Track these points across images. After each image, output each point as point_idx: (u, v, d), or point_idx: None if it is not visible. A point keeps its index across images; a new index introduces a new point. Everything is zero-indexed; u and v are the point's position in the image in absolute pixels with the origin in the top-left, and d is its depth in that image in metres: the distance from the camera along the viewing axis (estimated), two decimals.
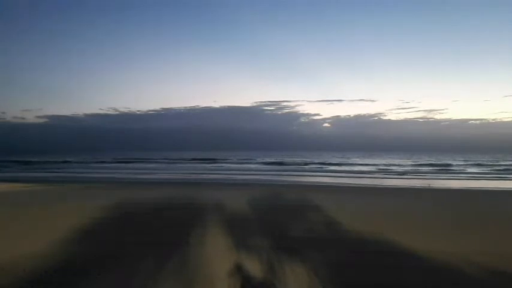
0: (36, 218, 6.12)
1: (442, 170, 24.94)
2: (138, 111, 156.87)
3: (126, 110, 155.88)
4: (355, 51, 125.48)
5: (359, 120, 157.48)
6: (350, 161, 37.03)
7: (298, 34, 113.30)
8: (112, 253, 3.97)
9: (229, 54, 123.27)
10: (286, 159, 39.54)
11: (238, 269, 3.42)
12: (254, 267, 3.47)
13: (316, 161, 36.45)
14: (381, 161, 38.71)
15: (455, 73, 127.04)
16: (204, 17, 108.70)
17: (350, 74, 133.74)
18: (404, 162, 35.98)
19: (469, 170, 25.21)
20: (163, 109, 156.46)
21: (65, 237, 4.65)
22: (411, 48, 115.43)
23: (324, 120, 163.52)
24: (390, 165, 30.23)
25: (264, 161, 36.22)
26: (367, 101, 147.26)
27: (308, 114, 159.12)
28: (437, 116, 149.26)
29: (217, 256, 3.85)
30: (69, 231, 4.98)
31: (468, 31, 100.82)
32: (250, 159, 40.78)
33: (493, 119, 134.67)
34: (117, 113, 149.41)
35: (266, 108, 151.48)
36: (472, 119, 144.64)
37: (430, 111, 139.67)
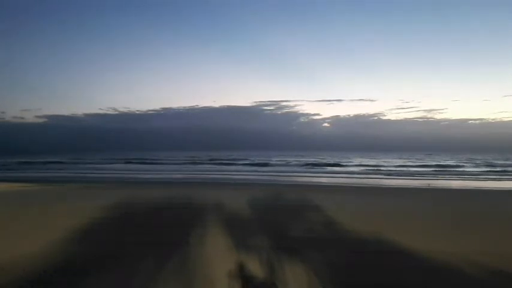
0: (36, 218, 6.12)
1: (442, 170, 24.94)
2: (138, 111, 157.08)
3: (125, 110, 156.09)
4: (355, 51, 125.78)
5: (359, 120, 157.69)
6: (350, 161, 36.99)
7: (298, 34, 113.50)
8: (112, 253, 3.98)
9: (229, 54, 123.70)
10: (287, 159, 39.52)
11: (239, 269, 3.42)
12: (254, 267, 3.47)
13: (316, 161, 36.45)
14: (380, 161, 38.70)
15: (455, 73, 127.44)
16: (204, 17, 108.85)
17: (350, 74, 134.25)
18: (404, 162, 35.96)
19: (469, 169, 25.22)
20: (163, 109, 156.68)
21: (65, 237, 4.65)
22: (411, 48, 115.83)
23: (324, 120, 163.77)
24: (389, 165, 30.21)
25: (262, 161, 36.18)
26: (366, 100, 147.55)
27: (308, 114, 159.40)
28: (437, 116, 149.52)
29: (217, 256, 3.85)
30: (69, 231, 4.98)
31: (468, 31, 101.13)
32: (248, 159, 40.74)
33: (493, 119, 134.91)
34: (116, 112, 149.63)
35: (266, 108, 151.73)
36: (471, 119, 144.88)
37: (430, 111, 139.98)
